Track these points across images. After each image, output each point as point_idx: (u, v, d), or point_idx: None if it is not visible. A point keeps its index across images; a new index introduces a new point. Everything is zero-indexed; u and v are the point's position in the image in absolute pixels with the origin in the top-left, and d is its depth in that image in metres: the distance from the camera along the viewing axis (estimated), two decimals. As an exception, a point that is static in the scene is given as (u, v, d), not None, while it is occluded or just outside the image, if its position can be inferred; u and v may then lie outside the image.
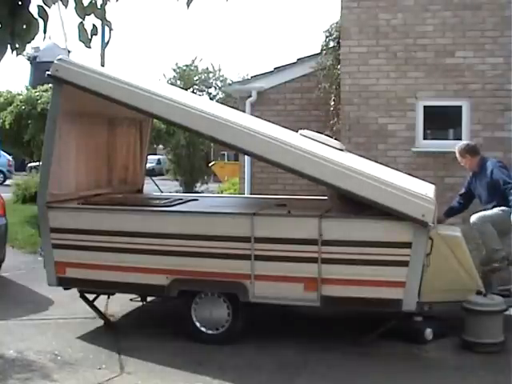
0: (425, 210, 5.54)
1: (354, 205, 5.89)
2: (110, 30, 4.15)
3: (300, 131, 7.06)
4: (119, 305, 7.32)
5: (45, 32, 3.18)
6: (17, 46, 3.12)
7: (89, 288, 6.74)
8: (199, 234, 6.16)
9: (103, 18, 3.31)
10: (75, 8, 3.19)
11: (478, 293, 6.13)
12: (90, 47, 3.37)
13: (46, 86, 13.95)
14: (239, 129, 6.04)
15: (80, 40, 3.30)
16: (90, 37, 3.31)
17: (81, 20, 3.24)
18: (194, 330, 6.29)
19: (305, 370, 5.65)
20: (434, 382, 5.44)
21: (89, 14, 3.24)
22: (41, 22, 3.13)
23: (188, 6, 3.40)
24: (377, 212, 5.75)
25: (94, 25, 3.31)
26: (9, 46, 3.11)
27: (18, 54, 3.16)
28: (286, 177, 10.06)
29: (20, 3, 3.07)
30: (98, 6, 3.26)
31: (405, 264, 5.63)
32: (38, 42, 3.16)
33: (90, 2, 3.24)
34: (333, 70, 10.37)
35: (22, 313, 7.32)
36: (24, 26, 3.09)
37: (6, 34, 3.05)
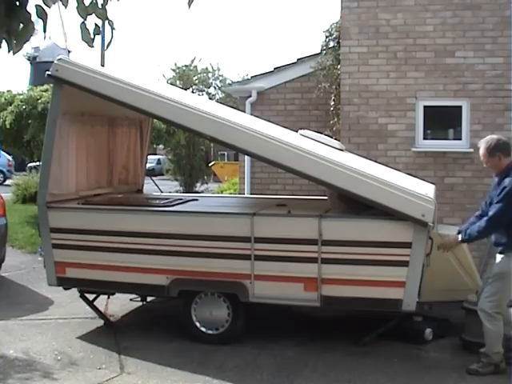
0: (425, 209, 5.54)
1: (354, 205, 5.89)
2: (112, 29, 4.13)
3: (300, 131, 7.06)
4: (119, 305, 7.33)
5: (44, 32, 3.17)
6: (13, 45, 3.12)
7: (89, 288, 6.74)
8: (199, 234, 6.16)
9: (105, 18, 3.31)
10: (77, 8, 3.19)
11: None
12: (92, 46, 3.37)
13: (46, 86, 13.94)
14: (239, 129, 6.04)
15: (83, 40, 3.30)
16: (92, 36, 3.31)
17: (83, 20, 3.24)
18: (194, 330, 6.29)
19: (305, 369, 5.65)
20: (434, 382, 5.44)
21: (90, 14, 3.24)
22: (40, 21, 3.13)
23: (189, 6, 3.39)
24: (377, 212, 5.75)
25: (96, 24, 3.31)
26: (6, 45, 3.10)
27: (14, 53, 3.15)
28: (285, 177, 10.06)
29: (18, 3, 3.06)
30: (99, 6, 3.26)
31: (405, 264, 5.62)
32: (38, 41, 3.16)
33: (92, 2, 3.23)
34: (333, 70, 10.36)
35: (22, 313, 7.32)
36: (21, 26, 3.08)
37: (2, 32, 3.05)
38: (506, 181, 5.50)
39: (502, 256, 5.56)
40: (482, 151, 5.69)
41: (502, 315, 5.55)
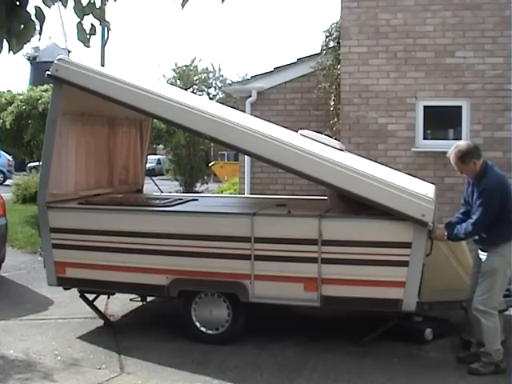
0: (425, 209, 5.54)
1: (354, 205, 5.89)
2: (108, 30, 4.15)
3: (300, 131, 7.06)
4: (119, 305, 7.33)
5: (40, 33, 3.17)
6: (14, 45, 3.12)
7: (89, 288, 6.74)
8: (199, 234, 6.16)
9: (102, 19, 3.31)
10: (74, 8, 3.19)
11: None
12: (88, 46, 3.37)
13: (46, 86, 13.94)
14: (239, 129, 6.04)
15: (79, 39, 3.31)
16: (88, 36, 3.31)
17: (79, 20, 3.25)
18: (194, 330, 6.29)
19: (305, 369, 5.65)
20: (434, 382, 5.44)
21: (87, 14, 3.24)
22: (37, 23, 3.13)
23: (182, 7, 3.40)
24: (377, 212, 5.75)
25: (92, 24, 3.32)
26: (6, 45, 3.11)
27: (14, 53, 3.16)
28: (286, 177, 10.07)
29: (18, 3, 3.07)
30: (97, 6, 3.27)
31: (405, 264, 5.62)
32: (35, 42, 3.17)
33: (89, 2, 3.24)
34: (333, 70, 10.37)
35: (22, 313, 7.32)
36: (21, 26, 3.09)
37: (3, 32, 3.05)
38: (483, 183, 5.50)
39: (488, 254, 5.56)
40: (454, 161, 5.57)
41: (496, 310, 5.54)
